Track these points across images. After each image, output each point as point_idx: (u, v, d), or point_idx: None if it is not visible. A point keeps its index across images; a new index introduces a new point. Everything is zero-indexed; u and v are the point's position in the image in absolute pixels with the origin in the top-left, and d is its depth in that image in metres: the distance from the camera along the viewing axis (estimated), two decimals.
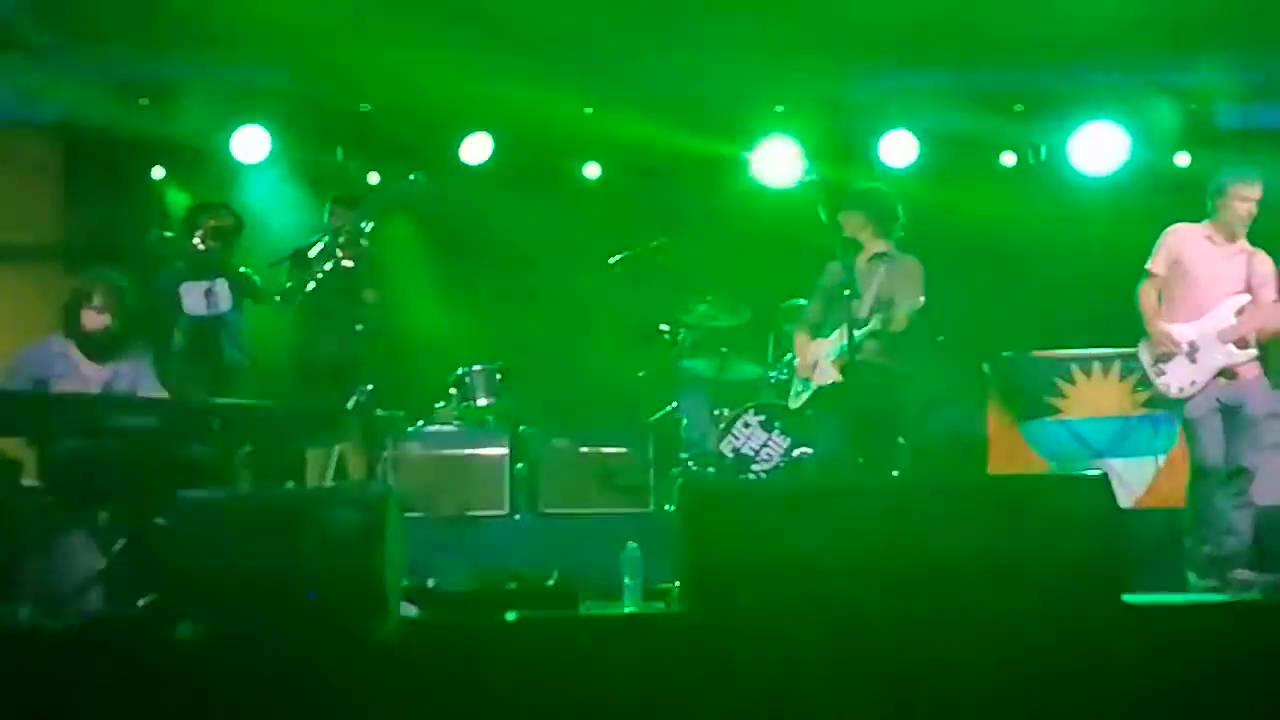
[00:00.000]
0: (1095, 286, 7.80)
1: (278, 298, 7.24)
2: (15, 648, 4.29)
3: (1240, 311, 6.04)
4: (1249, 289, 6.08)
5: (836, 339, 6.35)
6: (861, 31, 7.52)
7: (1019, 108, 8.61)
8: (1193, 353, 6.05)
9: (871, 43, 7.73)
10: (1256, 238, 6.26)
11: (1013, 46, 7.89)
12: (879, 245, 6.60)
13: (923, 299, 6.28)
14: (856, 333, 6.18)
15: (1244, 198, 6.07)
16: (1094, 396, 7.65)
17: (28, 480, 5.63)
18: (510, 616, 4.58)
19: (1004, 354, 7.94)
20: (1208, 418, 6.01)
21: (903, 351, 6.49)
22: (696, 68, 8.12)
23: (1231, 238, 6.14)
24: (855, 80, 8.40)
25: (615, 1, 7.34)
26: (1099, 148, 8.55)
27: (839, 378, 6.29)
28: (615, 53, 7.88)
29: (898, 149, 8.64)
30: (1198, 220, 6.24)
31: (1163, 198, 7.66)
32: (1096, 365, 7.68)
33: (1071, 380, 7.76)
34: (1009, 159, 8.98)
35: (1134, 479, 7.34)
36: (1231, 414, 6.03)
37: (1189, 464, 6.21)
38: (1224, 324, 6.03)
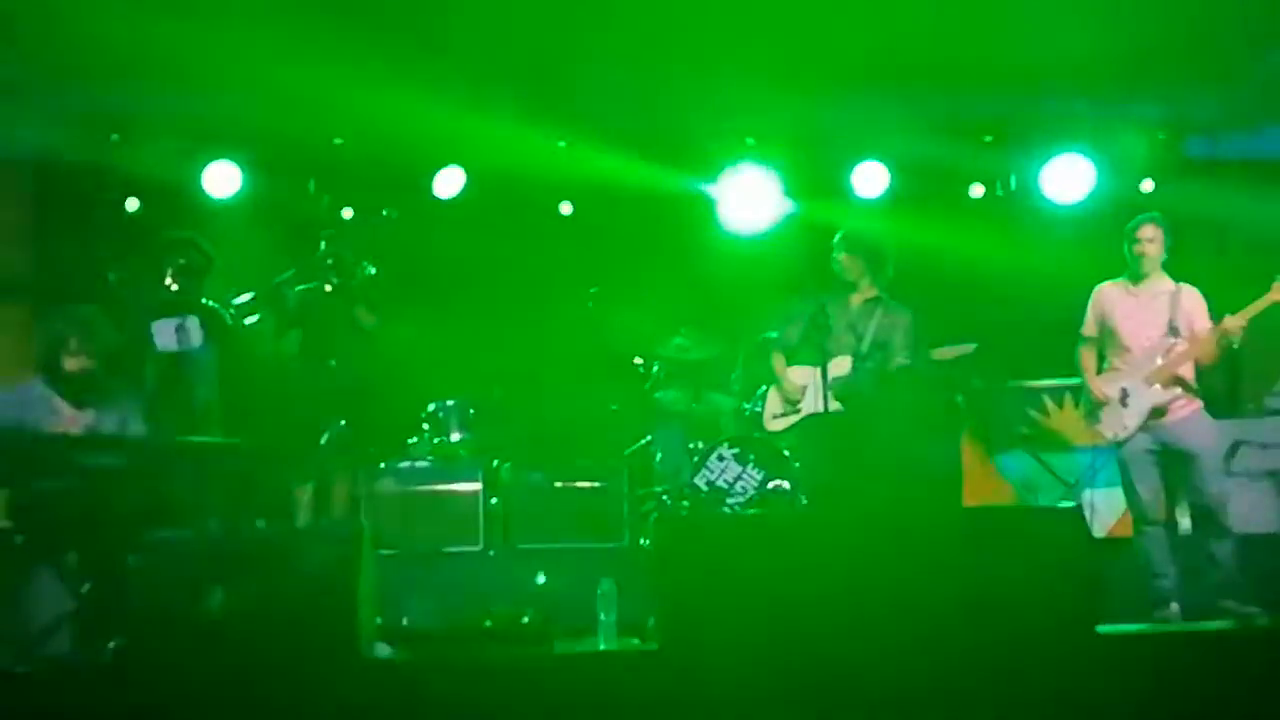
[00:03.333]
0: (1066, 316, 7.82)
1: (248, 321, 7.20)
2: None
3: (1168, 352, 6.17)
4: (1177, 327, 6.19)
5: (827, 371, 6.57)
6: (833, 64, 7.56)
7: (988, 138, 8.67)
8: (1124, 399, 6.22)
9: (843, 75, 7.77)
10: (1224, 267, 6.35)
11: (982, 78, 7.95)
12: (872, 290, 6.97)
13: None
14: (850, 368, 6.60)
15: (1146, 239, 6.27)
16: (1066, 427, 7.68)
17: None
18: None
19: (976, 385, 7.97)
20: (1140, 460, 6.17)
21: (893, 389, 6.74)
22: (669, 102, 8.14)
23: (1146, 282, 6.29)
24: (827, 112, 8.43)
25: (589, 37, 7.36)
26: (1067, 178, 8.59)
27: (837, 406, 6.59)
28: (588, 88, 7.90)
29: (869, 180, 8.67)
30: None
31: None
32: (1068, 396, 7.72)
33: (1044, 411, 7.81)
34: (978, 190, 9.02)
35: (1107, 509, 7.36)
36: (1176, 454, 6.17)
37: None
38: (1149, 367, 6.19)
